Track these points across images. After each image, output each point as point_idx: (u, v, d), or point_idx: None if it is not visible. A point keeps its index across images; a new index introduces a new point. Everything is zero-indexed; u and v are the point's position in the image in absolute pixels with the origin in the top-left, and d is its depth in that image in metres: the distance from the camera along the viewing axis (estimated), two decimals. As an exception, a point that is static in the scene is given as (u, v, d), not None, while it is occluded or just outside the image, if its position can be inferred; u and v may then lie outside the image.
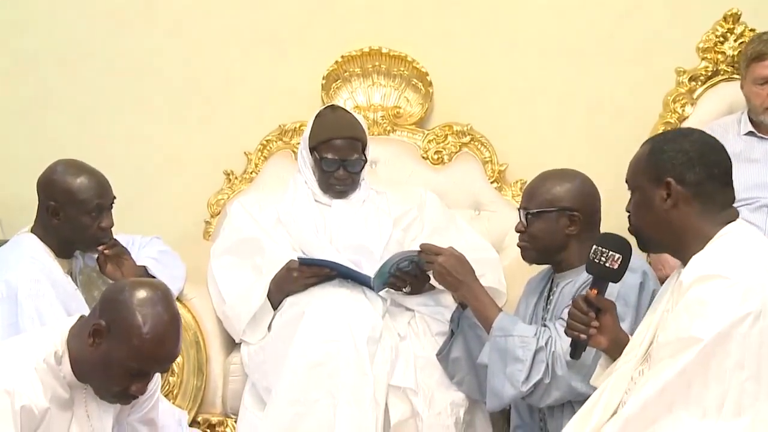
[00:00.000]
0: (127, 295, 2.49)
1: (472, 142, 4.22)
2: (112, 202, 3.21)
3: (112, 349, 2.46)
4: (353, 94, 4.28)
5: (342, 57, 4.25)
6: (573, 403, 2.85)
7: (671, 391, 2.26)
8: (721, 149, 2.51)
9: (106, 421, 2.67)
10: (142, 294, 2.49)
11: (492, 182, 4.18)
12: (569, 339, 2.70)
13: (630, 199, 2.56)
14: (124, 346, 2.45)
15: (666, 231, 2.47)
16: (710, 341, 2.23)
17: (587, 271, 2.71)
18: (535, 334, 2.95)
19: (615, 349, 2.60)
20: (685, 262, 2.43)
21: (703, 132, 2.64)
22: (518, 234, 3.15)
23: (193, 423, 3.54)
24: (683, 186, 2.42)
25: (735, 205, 2.52)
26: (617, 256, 2.60)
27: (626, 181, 2.57)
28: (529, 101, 4.29)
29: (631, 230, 2.61)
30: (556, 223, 3.06)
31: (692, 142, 2.52)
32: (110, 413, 2.67)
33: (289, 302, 3.49)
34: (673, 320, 2.34)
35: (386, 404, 3.29)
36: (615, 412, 2.40)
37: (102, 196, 3.17)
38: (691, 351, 2.24)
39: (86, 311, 2.99)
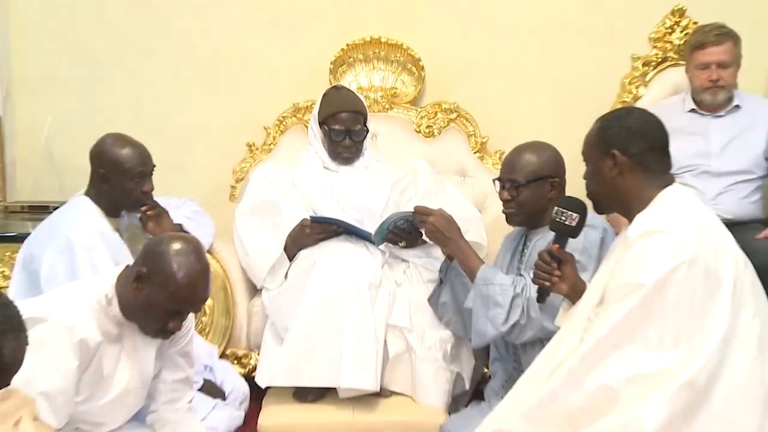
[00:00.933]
0: (165, 247, 2.53)
1: (458, 118, 4.24)
2: (153, 170, 3.22)
3: (152, 293, 2.52)
4: (357, 77, 4.27)
5: (347, 45, 4.25)
6: (542, 339, 2.81)
7: (620, 329, 2.30)
8: (659, 125, 2.54)
9: (149, 353, 2.71)
10: (177, 246, 2.54)
11: (475, 152, 4.19)
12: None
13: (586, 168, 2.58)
14: (163, 289, 2.51)
15: (614, 195, 2.51)
16: (652, 286, 2.27)
17: (550, 229, 2.72)
18: (513, 283, 2.95)
19: (574, 294, 2.64)
20: (631, 220, 2.46)
21: (645, 111, 2.66)
22: (504, 201, 3.11)
23: (223, 356, 3.59)
24: (627, 156, 2.45)
25: (680, 171, 2.54)
26: (575, 215, 2.63)
27: (582, 154, 2.59)
28: (506, 84, 4.28)
29: (588, 196, 2.62)
30: (542, 190, 3.04)
31: (635, 119, 2.54)
32: (153, 347, 2.71)
33: (303, 255, 3.52)
34: (622, 269, 2.37)
35: (385, 340, 3.34)
36: (577, 346, 2.39)
37: (143, 165, 3.18)
38: (636, 295, 2.29)
39: (131, 261, 2.99)
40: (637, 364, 2.30)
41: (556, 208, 2.68)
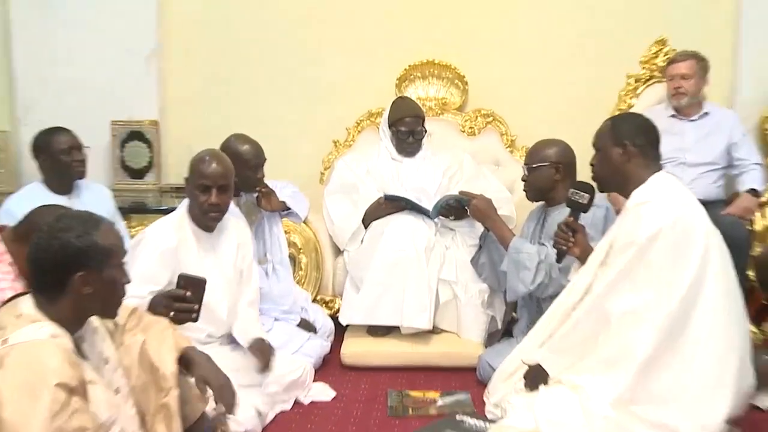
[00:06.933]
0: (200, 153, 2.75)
1: (493, 121, 4.19)
2: (264, 161, 3.24)
3: (190, 184, 2.72)
4: (416, 89, 4.27)
5: (409, 65, 4.27)
6: (559, 293, 2.75)
7: (622, 273, 2.37)
8: (655, 127, 2.56)
9: (226, 254, 2.81)
10: (206, 150, 2.76)
11: (507, 147, 4.15)
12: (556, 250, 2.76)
13: (594, 155, 2.58)
14: (193, 173, 2.71)
15: (617, 175, 2.51)
16: (644, 242, 2.34)
17: (567, 205, 2.74)
18: (537, 251, 2.96)
19: (584, 256, 2.65)
20: (627, 196, 2.48)
21: (644, 115, 2.67)
22: (523, 181, 3.14)
23: (314, 300, 3.62)
24: (634, 147, 2.47)
25: (663, 162, 2.55)
26: (586, 195, 2.66)
27: (593, 144, 2.59)
28: (530, 94, 4.25)
29: (593, 177, 2.62)
30: (547, 173, 3.05)
31: (641, 120, 2.57)
32: (228, 251, 2.82)
33: (375, 224, 3.53)
34: (623, 229, 2.44)
35: (437, 290, 3.34)
36: (583, 293, 2.48)
37: (258, 157, 3.21)
38: (632, 249, 2.35)
39: (247, 228, 3.04)
40: (630, 301, 2.35)
41: (571, 189, 2.69)
